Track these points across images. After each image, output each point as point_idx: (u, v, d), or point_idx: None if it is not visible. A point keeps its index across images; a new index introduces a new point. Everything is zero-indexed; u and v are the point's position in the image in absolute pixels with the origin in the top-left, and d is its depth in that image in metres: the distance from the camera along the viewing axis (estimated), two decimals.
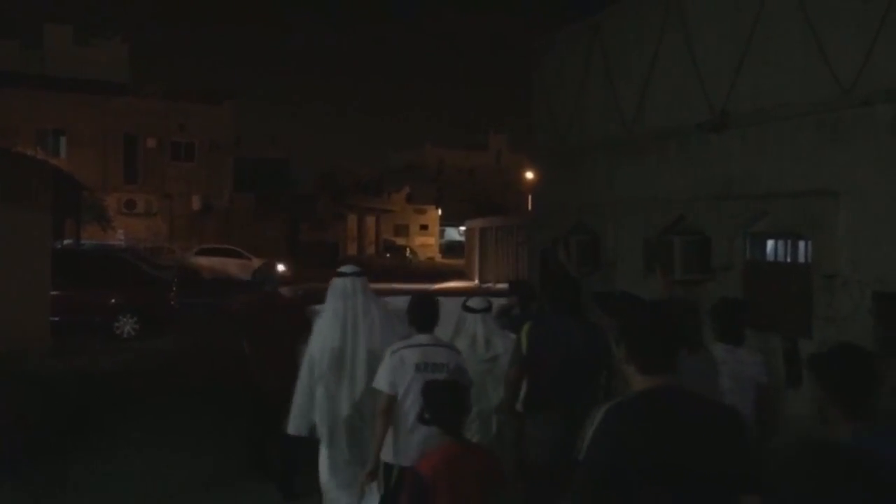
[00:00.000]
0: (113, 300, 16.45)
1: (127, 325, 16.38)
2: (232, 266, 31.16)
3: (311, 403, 5.58)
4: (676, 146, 11.31)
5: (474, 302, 5.79)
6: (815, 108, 8.88)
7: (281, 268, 13.55)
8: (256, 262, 23.17)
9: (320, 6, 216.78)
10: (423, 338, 4.86)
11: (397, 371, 4.69)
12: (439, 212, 71.36)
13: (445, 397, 3.94)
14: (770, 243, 9.83)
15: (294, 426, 5.67)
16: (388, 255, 54.88)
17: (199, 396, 10.53)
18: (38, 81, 36.82)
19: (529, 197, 29.52)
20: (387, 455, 4.71)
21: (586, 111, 13.71)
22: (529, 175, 30.69)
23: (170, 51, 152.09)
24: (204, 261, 31.81)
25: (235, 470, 7.28)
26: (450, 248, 67.96)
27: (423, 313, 4.95)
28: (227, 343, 7.64)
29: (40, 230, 14.69)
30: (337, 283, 5.66)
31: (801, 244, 9.29)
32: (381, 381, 4.73)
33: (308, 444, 5.64)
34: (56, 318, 15.12)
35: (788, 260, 9.57)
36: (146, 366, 13.43)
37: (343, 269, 5.83)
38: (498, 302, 6.65)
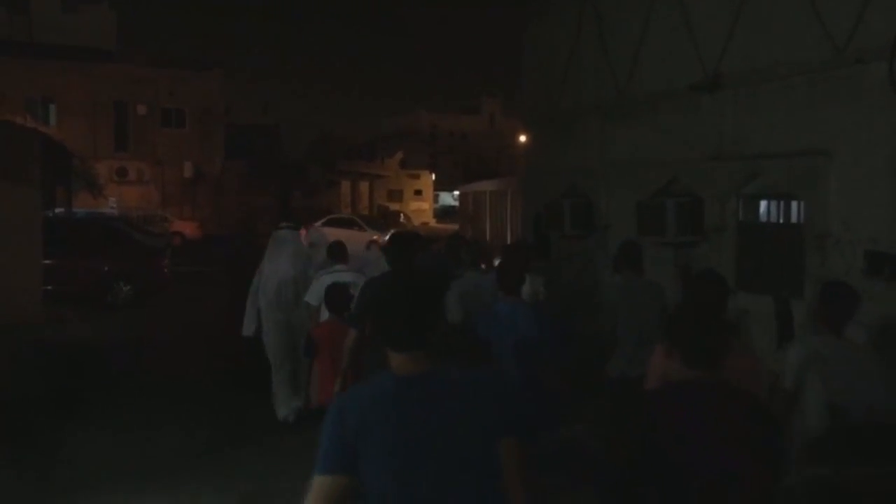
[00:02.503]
0: (106, 268, 16.40)
1: (120, 294, 16.36)
2: (355, 236, 31.48)
3: (254, 313, 8.09)
4: (669, 108, 11.25)
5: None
6: (807, 68, 8.81)
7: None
8: (370, 234, 28.04)
9: None
10: (338, 266, 7.43)
11: (319, 289, 6.94)
12: (433, 177, 71.19)
13: (333, 294, 6.60)
14: (763, 204, 9.82)
15: (246, 329, 8.16)
16: (382, 220, 54.82)
17: (190, 366, 10.55)
18: (25, 49, 36.45)
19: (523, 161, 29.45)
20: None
21: (578, 74, 13.61)
22: (523, 139, 30.58)
23: (158, 17, 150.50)
24: (331, 231, 32.02)
25: (227, 441, 7.32)
26: (444, 213, 67.95)
27: (337, 251, 7.63)
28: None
29: (31, 200, 14.60)
30: (279, 233, 8.32)
31: (794, 205, 9.28)
32: (311, 296, 7.21)
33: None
34: (49, 287, 15.09)
35: (781, 221, 9.56)
36: (138, 334, 13.44)
37: (282, 224, 8.75)
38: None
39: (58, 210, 22.58)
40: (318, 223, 35.74)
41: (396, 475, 2.37)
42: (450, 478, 2.40)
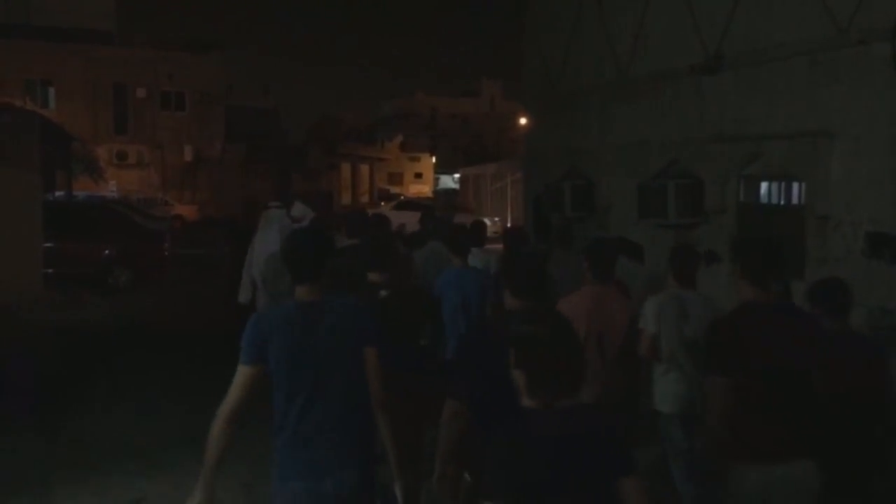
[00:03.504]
0: (106, 252, 16.41)
1: (121, 277, 16.37)
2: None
3: (248, 282, 8.61)
4: (670, 89, 11.20)
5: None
6: (810, 48, 8.77)
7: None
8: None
9: None
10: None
11: None
12: (433, 159, 71.05)
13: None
14: (764, 185, 9.80)
15: (242, 296, 8.68)
16: (382, 203, 54.75)
17: (188, 348, 10.56)
18: (24, 30, 36.23)
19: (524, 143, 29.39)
20: None
21: (579, 55, 13.55)
22: (523, 121, 30.48)
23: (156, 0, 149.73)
24: (401, 214, 31.94)
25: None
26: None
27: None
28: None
29: (31, 184, 14.59)
30: (268, 212, 8.96)
31: (795, 186, 9.26)
32: None
33: None
34: (49, 271, 15.11)
35: (782, 202, 9.55)
36: (139, 318, 13.46)
37: (271, 203, 9.43)
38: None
39: (58, 194, 22.55)
40: (389, 206, 36.13)
41: (290, 366, 3.35)
42: (327, 370, 3.38)
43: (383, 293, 4.73)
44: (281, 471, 3.38)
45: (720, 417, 3.48)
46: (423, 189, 68.95)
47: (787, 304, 4.76)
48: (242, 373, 3.36)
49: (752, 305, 3.71)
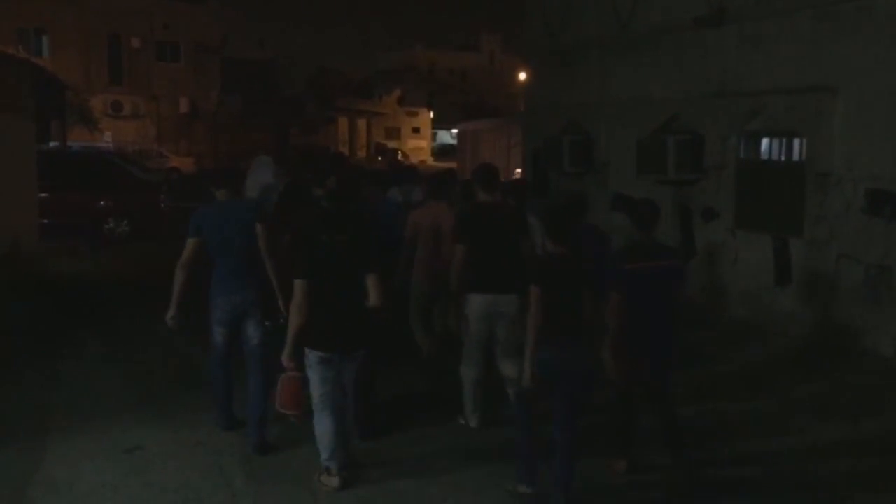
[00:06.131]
0: (102, 203, 16.33)
1: (117, 228, 16.31)
2: None
3: None
4: (671, 43, 11.06)
5: None
6: (813, 2, 8.64)
7: None
8: None
9: None
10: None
11: None
12: (431, 114, 70.52)
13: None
14: (765, 142, 9.71)
15: None
16: (379, 158, 54.48)
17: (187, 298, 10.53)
18: None
19: (523, 97, 29.15)
20: None
21: (580, 8, 13.35)
22: (523, 76, 30.19)
23: None
24: None
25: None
26: (442, 151, 67.41)
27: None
28: None
29: (25, 133, 14.45)
30: (259, 158, 9.29)
31: (796, 142, 9.19)
32: None
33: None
34: (45, 221, 15.04)
35: (783, 158, 9.48)
36: (133, 269, 13.42)
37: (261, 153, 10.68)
38: None
39: (52, 144, 22.37)
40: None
41: (215, 237, 5.77)
42: (234, 238, 5.73)
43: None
44: (214, 293, 5.84)
45: (458, 268, 5.94)
46: (421, 144, 68.54)
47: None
48: (189, 243, 5.81)
49: (481, 203, 6.21)
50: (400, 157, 55.02)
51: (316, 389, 5.02)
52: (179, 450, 5.72)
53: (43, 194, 14.98)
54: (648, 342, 5.14)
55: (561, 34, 13.92)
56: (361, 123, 59.46)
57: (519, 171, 28.74)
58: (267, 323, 5.76)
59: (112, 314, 9.94)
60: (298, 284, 4.97)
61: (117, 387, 7.13)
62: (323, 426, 5.06)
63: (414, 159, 59.25)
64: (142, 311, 9.97)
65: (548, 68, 14.81)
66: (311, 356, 4.98)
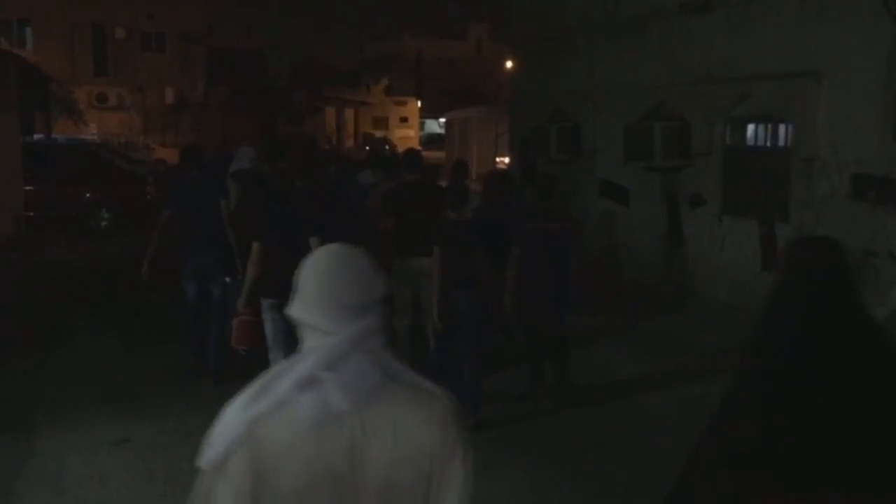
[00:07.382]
0: (87, 195, 16.23)
1: (102, 220, 16.22)
2: None
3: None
4: (658, 30, 11.05)
5: None
6: None
7: None
8: None
9: None
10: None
11: None
12: (419, 103, 70.31)
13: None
14: (751, 127, 9.74)
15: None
16: (367, 147, 54.29)
17: (169, 289, 10.49)
18: None
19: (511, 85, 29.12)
20: None
21: None
22: (510, 65, 30.13)
23: None
24: None
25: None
26: (430, 141, 67.12)
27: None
28: None
29: (9, 125, 14.33)
30: (240, 149, 9.54)
31: (782, 128, 9.21)
32: None
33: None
34: (31, 214, 14.93)
35: (768, 144, 9.50)
36: (119, 259, 13.34)
37: (243, 143, 10.73)
38: None
39: (37, 136, 22.19)
40: None
41: (186, 208, 6.96)
42: (200, 209, 6.87)
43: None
44: (184, 254, 6.94)
45: (386, 236, 6.68)
46: (408, 133, 68.34)
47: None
48: (162, 214, 7.08)
49: (406, 182, 7.06)
50: (387, 147, 54.93)
51: (269, 330, 5.80)
52: (168, 441, 5.71)
53: (28, 187, 14.86)
54: (546, 290, 6.22)
55: (547, 20, 13.89)
56: (349, 113, 59.22)
57: (500, 160, 28.71)
58: (227, 279, 6.85)
59: (96, 304, 9.89)
60: (255, 245, 5.89)
61: (104, 378, 7.11)
62: (277, 360, 5.37)
63: (402, 148, 59.10)
64: (125, 301, 9.94)
65: (535, 55, 14.78)
66: (265, 303, 5.81)
